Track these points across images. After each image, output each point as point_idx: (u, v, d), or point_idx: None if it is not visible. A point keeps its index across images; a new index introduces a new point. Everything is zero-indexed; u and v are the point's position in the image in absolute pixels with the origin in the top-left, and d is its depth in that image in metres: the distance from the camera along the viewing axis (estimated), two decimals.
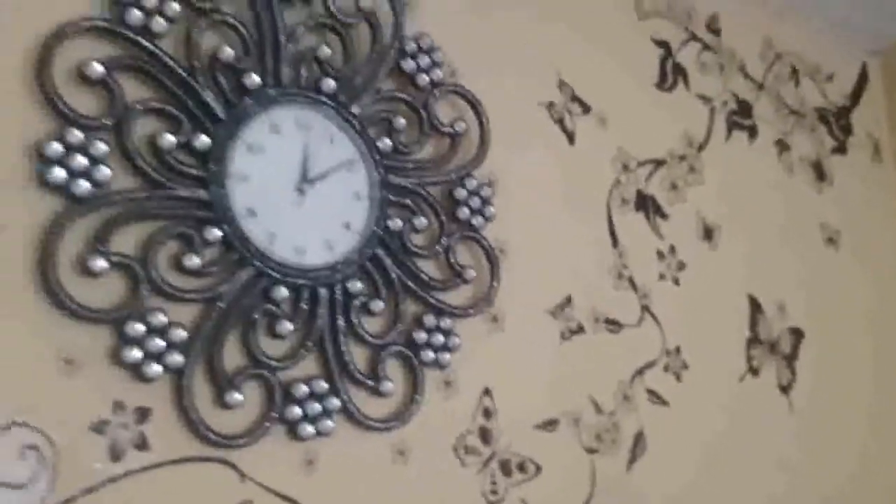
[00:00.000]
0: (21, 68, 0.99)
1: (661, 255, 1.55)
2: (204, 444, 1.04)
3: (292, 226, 1.14)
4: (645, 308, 1.50)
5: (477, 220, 1.31)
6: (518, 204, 1.37)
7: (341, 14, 1.21)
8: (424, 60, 1.28)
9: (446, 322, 1.25)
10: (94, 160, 1.00)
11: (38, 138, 0.98)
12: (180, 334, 1.03)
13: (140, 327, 1.00)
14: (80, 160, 0.99)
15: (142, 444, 1.01)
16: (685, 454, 1.50)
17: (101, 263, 0.99)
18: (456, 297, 1.28)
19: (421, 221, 1.25)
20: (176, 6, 1.07)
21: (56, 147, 0.98)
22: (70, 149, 0.98)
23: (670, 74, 1.63)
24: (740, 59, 1.77)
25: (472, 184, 1.31)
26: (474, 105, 1.33)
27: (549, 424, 1.35)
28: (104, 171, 1.00)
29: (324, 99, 1.19)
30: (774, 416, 1.67)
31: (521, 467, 1.31)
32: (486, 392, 1.29)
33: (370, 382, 1.18)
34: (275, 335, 1.11)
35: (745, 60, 1.77)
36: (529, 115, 1.43)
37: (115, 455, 0.99)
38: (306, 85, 1.18)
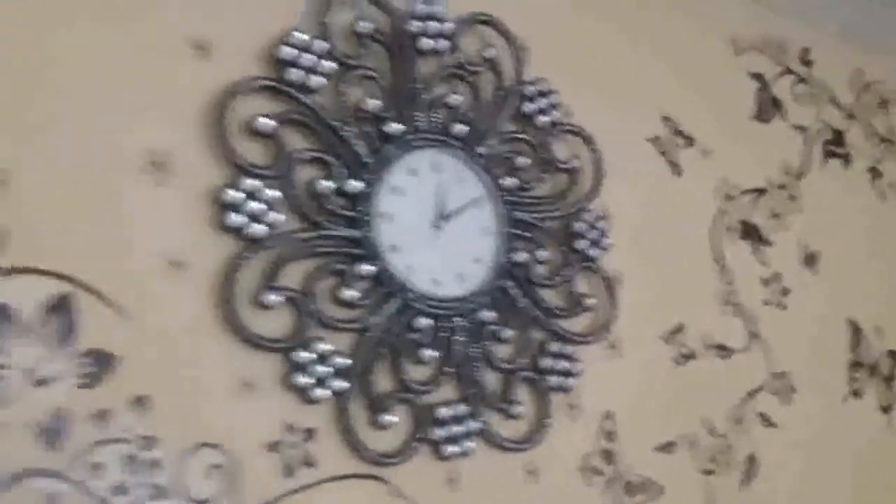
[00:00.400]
0: (200, 124, 1.12)
1: (765, 281, 1.63)
2: (362, 462, 1.16)
3: (430, 260, 1.25)
4: (752, 334, 1.58)
5: (594, 251, 1.40)
6: (630, 235, 1.47)
7: (468, 63, 1.33)
8: (543, 103, 1.39)
9: (569, 348, 1.35)
10: (266, 205, 1.12)
11: (217, 186, 1.11)
12: (342, 361, 1.14)
13: (307, 355, 1.12)
14: (254, 205, 1.11)
15: (310, 462, 1.12)
16: (794, 474, 1.57)
17: (273, 297, 1.11)
18: (576, 324, 1.38)
19: (543, 254, 1.35)
20: (328, 64, 1.19)
21: (233, 194, 1.11)
22: (245, 195, 1.11)
23: (767, 106, 1.72)
24: (832, 90, 1.84)
25: (588, 217, 1.41)
26: (589, 142, 1.44)
27: (668, 446, 1.44)
28: (275, 215, 1.13)
29: (454, 142, 1.30)
30: (876, 436, 1.73)
31: (643, 488, 1.39)
32: (608, 415, 1.38)
33: (503, 406, 1.28)
34: (418, 362, 1.22)
35: (836, 91, 1.85)
36: (637, 149, 1.53)
37: (288, 472, 1.10)
38: (439, 130, 1.29)
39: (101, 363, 1.00)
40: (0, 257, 0.96)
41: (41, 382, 0.97)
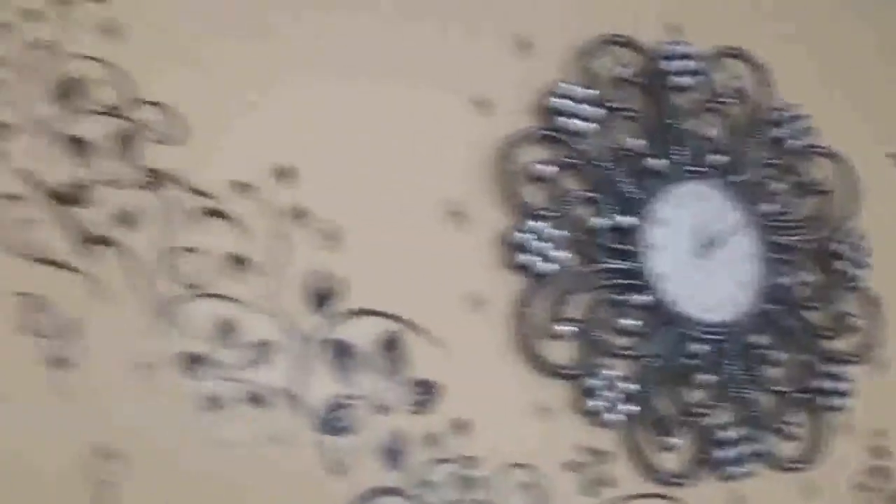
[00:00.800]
0: (486, 173, 1.25)
1: None
2: (653, 483, 1.24)
3: (698, 288, 1.33)
4: None
5: (855, 271, 1.43)
6: (884, 251, 1.48)
7: (719, 95, 1.40)
8: (792, 127, 1.44)
9: (838, 368, 1.38)
10: (550, 244, 1.23)
11: (506, 229, 1.23)
12: (628, 386, 1.23)
13: (596, 381, 1.22)
14: (540, 245, 1.23)
15: (606, 482, 1.21)
16: None
17: (562, 328, 1.22)
18: (843, 344, 1.41)
19: (805, 276, 1.39)
20: (594, 109, 1.30)
21: (520, 235, 1.23)
22: (531, 236, 1.23)
23: None
24: None
25: (847, 236, 1.44)
26: (841, 163, 1.47)
27: None
28: (558, 253, 1.24)
29: (711, 172, 1.37)
30: None
31: None
32: (880, 433, 1.40)
33: (779, 427, 1.33)
34: (695, 386, 1.29)
35: None
36: (882, 165, 1.55)
37: (587, 491, 1.20)
38: (697, 162, 1.37)
39: (427, 391, 1.14)
40: (344, 302, 1.11)
41: (381, 410, 1.11)
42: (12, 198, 0.97)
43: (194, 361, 1.03)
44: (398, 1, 1.23)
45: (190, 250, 1.05)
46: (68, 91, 1.02)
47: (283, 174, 1.12)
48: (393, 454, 1.11)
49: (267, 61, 1.13)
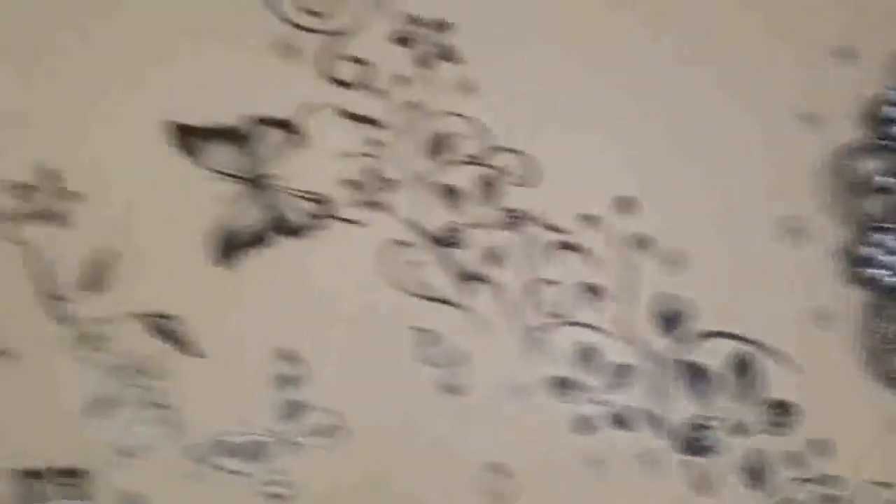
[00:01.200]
0: (820, 187, 1.24)
1: None
2: None
3: None
4: None
5: None
6: None
7: None
8: None
9: None
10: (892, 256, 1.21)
11: (847, 242, 1.22)
12: None
13: None
14: (887, 258, 1.21)
15: None
16: None
17: None
18: None
19: None
20: None
21: (863, 249, 1.21)
22: (874, 248, 1.21)
23: None
24: None
25: None
26: None
27: None
28: None
29: None
30: None
31: None
32: None
33: None
34: None
35: None
36: None
37: None
38: None
39: (783, 411, 1.15)
40: (693, 324, 1.16)
41: (738, 430, 1.14)
42: (402, 244, 1.12)
43: (562, 385, 1.12)
44: (719, 19, 1.27)
45: (549, 282, 1.15)
46: (438, 145, 1.16)
47: (626, 205, 1.19)
48: (756, 474, 1.13)
49: (601, 104, 1.21)
